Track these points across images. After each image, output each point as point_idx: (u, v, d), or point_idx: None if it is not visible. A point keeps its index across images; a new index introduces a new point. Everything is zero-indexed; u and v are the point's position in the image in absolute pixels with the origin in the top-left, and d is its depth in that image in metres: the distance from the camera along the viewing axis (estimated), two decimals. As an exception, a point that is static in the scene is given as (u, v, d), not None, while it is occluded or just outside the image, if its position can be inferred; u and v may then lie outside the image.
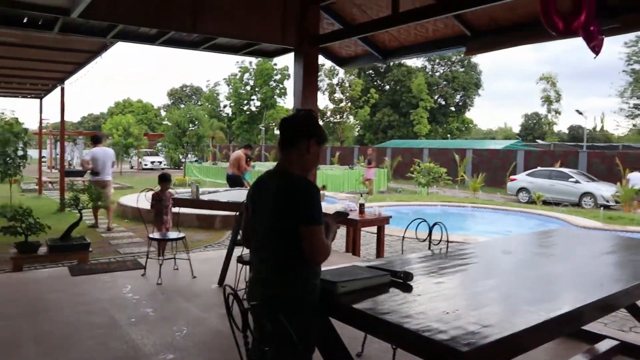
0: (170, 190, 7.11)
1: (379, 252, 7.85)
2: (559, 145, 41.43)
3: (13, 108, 56.57)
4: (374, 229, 8.31)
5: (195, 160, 32.97)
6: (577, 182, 19.33)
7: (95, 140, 10.73)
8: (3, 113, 13.43)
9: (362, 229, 8.28)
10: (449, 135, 51.78)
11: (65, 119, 13.81)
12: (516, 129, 65.83)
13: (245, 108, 56.37)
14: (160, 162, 37.38)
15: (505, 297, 2.56)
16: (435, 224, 4.23)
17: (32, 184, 19.38)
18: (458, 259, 3.41)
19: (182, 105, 62.42)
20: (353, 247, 7.73)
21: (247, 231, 2.64)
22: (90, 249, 7.20)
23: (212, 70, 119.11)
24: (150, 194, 6.91)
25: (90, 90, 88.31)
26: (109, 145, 32.70)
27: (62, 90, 12.93)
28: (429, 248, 3.93)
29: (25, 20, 5.93)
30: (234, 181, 11.68)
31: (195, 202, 6.63)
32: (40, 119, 17.36)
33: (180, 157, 26.35)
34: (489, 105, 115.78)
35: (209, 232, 10.41)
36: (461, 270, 3.15)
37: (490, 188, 24.45)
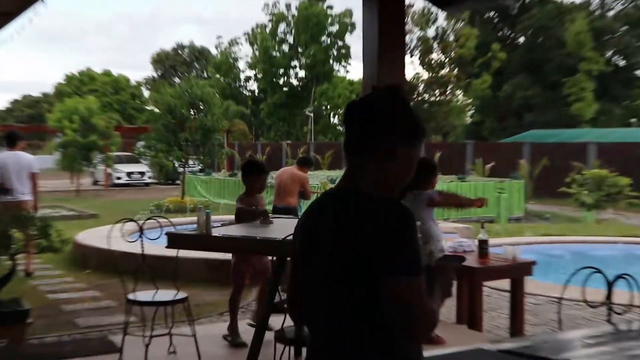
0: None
1: (516, 325, 7.77)
2: None
3: None
4: (505, 282, 8.27)
5: (201, 170, 33.41)
6: None
7: (10, 141, 11.10)
8: None
9: (484, 283, 8.17)
10: (633, 121, 50.80)
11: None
12: None
13: (281, 81, 57.29)
14: (142, 174, 38.28)
15: None
16: (618, 276, 4.17)
17: None
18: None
19: (177, 79, 63.94)
20: (470, 315, 7.65)
21: (295, 290, 2.66)
22: (29, 320, 7.33)
23: (224, 20, 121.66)
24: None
25: (26, 58, 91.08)
26: (57, 147, 33.64)
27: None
28: (608, 319, 3.86)
29: None
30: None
31: (205, 241, 6.64)
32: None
33: (176, 164, 26.77)
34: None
35: (224, 289, 10.43)
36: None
37: None
